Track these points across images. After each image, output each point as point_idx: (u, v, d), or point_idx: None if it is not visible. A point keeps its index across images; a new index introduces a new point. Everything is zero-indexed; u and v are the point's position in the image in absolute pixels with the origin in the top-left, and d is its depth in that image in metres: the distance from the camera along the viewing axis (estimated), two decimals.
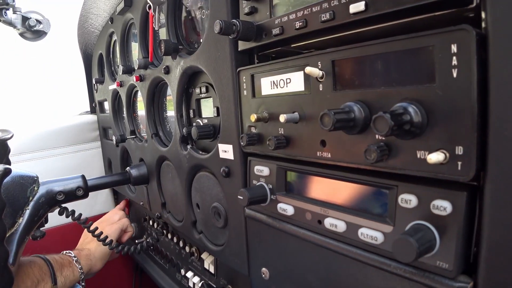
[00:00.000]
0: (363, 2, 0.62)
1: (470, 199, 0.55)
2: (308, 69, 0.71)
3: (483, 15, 0.51)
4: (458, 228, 0.55)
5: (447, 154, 0.54)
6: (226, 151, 1.04)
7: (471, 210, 0.55)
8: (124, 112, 1.89)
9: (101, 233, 1.56)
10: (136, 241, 2.08)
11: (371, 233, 0.66)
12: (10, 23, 2.00)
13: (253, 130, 0.93)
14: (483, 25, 0.51)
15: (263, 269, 0.99)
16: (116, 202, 2.51)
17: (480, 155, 0.52)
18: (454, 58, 0.52)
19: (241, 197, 0.87)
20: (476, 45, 0.50)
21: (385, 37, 0.61)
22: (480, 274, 0.54)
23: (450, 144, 0.54)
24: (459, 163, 0.53)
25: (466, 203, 0.54)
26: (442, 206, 0.56)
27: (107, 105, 2.20)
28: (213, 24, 0.95)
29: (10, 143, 1.24)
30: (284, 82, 0.82)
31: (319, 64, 0.72)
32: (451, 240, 0.56)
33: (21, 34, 2.14)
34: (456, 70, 0.52)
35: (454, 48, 0.52)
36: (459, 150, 0.53)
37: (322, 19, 0.69)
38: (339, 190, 0.75)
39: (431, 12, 0.58)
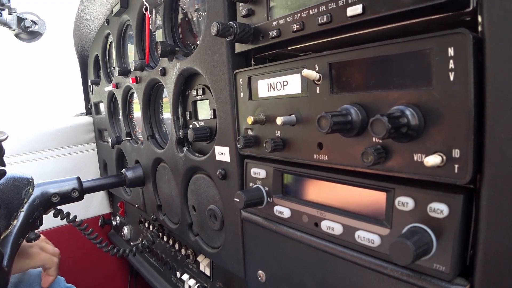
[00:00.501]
0: (360, 5, 0.62)
1: (467, 202, 0.55)
2: (305, 72, 0.71)
3: (479, 18, 0.52)
4: (454, 231, 0.55)
5: (444, 157, 0.54)
6: (222, 153, 1.04)
7: (467, 213, 0.55)
8: (120, 114, 1.88)
9: (96, 235, 1.55)
10: (132, 243, 2.07)
11: (368, 235, 0.66)
12: (5, 24, 1.98)
13: (249, 132, 0.93)
14: (479, 28, 0.52)
15: (259, 271, 0.98)
16: (112, 204, 2.50)
17: (476, 158, 0.52)
18: (451, 61, 0.53)
19: (238, 200, 0.87)
20: (473, 48, 0.50)
21: (382, 40, 0.61)
22: (477, 276, 0.54)
23: (447, 147, 0.54)
24: (456, 166, 0.54)
25: (463, 205, 0.55)
26: (439, 209, 0.56)
27: (102, 107, 2.19)
28: (210, 26, 0.96)
29: (4, 144, 1.23)
30: (281, 85, 0.82)
31: (316, 66, 0.72)
32: (448, 243, 0.56)
33: (17, 35, 2.13)
34: (453, 73, 0.53)
35: (451, 51, 0.52)
36: (456, 153, 0.53)
37: (319, 21, 0.69)
38: (335, 193, 0.75)
39: (428, 15, 0.58)
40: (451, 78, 0.53)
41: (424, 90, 0.56)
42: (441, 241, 0.57)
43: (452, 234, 0.55)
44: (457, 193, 0.55)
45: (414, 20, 0.60)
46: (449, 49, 0.53)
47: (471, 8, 0.54)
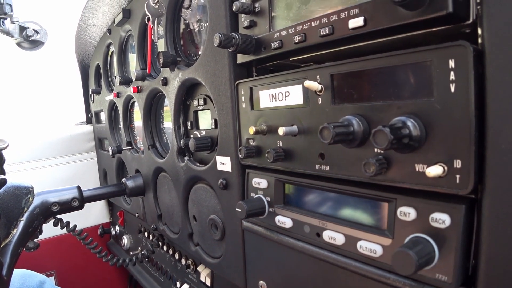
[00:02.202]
0: (362, 18, 0.63)
1: (468, 212, 0.55)
2: (307, 83, 0.72)
3: (479, 31, 0.53)
4: (457, 241, 0.55)
5: (446, 168, 0.55)
6: (224, 163, 1.04)
7: (469, 223, 0.56)
8: (120, 123, 1.89)
9: (96, 244, 1.55)
10: (131, 252, 2.06)
11: (370, 246, 0.66)
12: (7, 33, 2.00)
13: (251, 142, 0.93)
14: (479, 40, 0.53)
15: (261, 282, 0.98)
16: (111, 213, 2.49)
17: (478, 168, 0.52)
18: (452, 73, 0.53)
19: (239, 210, 0.87)
20: (473, 60, 0.51)
21: (383, 52, 0.62)
22: (479, 287, 0.54)
23: (448, 158, 0.55)
24: (458, 176, 0.54)
25: (465, 216, 0.55)
26: (441, 219, 0.57)
27: (103, 116, 2.20)
28: (212, 37, 0.97)
29: (5, 153, 1.24)
30: (283, 95, 0.83)
31: (318, 77, 0.73)
32: (450, 253, 0.56)
33: (19, 44, 2.14)
34: (453, 84, 0.53)
35: (451, 63, 0.53)
36: (457, 164, 0.54)
37: (321, 33, 0.70)
38: (337, 203, 0.75)
39: (428, 28, 0.59)
40: (452, 89, 0.54)
41: (425, 101, 0.57)
42: (443, 251, 0.57)
43: (454, 244, 0.56)
44: (458, 203, 0.55)
45: (415, 33, 0.61)
46: (450, 61, 0.53)
47: (471, 20, 0.55)
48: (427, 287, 0.59)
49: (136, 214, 1.82)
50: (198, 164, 1.22)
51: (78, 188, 1.43)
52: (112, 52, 2.02)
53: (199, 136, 1.24)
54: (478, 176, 0.53)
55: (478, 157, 0.52)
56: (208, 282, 1.37)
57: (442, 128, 0.55)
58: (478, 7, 0.53)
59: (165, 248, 1.69)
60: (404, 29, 0.61)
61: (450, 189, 0.55)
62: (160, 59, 1.20)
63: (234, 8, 0.88)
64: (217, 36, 0.85)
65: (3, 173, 1.33)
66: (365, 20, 0.63)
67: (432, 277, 0.58)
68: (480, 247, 0.54)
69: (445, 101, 0.54)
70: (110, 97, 1.93)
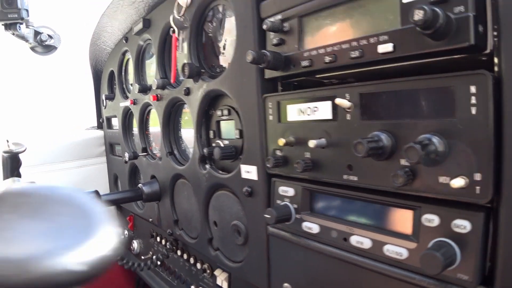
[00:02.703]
0: (391, 44, 0.70)
1: (486, 219, 0.63)
2: (338, 101, 0.79)
3: (495, 60, 0.61)
4: (477, 244, 0.63)
5: (467, 180, 0.62)
6: (249, 171, 1.10)
7: (486, 229, 0.63)
8: (134, 129, 1.94)
9: None
10: (142, 257, 2.10)
11: (396, 249, 0.73)
12: (22, 37, 2.05)
13: (278, 153, 1.00)
14: (495, 68, 0.61)
15: (285, 284, 1.03)
16: (121, 218, 2.52)
17: (495, 182, 0.60)
18: (473, 97, 0.61)
19: (269, 216, 0.93)
20: (492, 87, 0.59)
21: (406, 72, 0.70)
22: (497, 285, 0.62)
23: (469, 171, 0.62)
24: (478, 187, 0.62)
25: (484, 222, 0.62)
26: (462, 225, 0.64)
27: (115, 121, 2.25)
28: (240, 52, 1.04)
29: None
30: (311, 110, 0.90)
31: (347, 96, 0.80)
32: (471, 255, 0.63)
33: (32, 48, 2.19)
34: (474, 108, 0.61)
35: (473, 89, 0.61)
36: (478, 177, 0.61)
37: (352, 55, 0.77)
38: (364, 210, 0.82)
39: (450, 55, 0.67)
40: (473, 112, 0.61)
41: (448, 121, 0.64)
42: (464, 253, 0.64)
43: (474, 247, 0.63)
44: (478, 211, 0.63)
45: (438, 58, 0.69)
46: (471, 87, 0.61)
47: (488, 51, 0.63)
48: (450, 286, 0.66)
49: (150, 220, 1.87)
50: (220, 171, 1.28)
51: (96, 192, 1.48)
52: (128, 59, 2.08)
53: (221, 145, 1.30)
54: (495, 188, 0.60)
55: (496, 172, 0.60)
56: (225, 286, 1.42)
57: (464, 145, 0.63)
58: (495, 39, 0.61)
59: (179, 252, 1.73)
60: (428, 56, 0.68)
61: (471, 199, 0.62)
62: (186, 71, 1.26)
63: (264, 27, 0.95)
64: (250, 53, 0.91)
65: (19, 176, 1.37)
66: (394, 47, 0.70)
67: (454, 276, 0.65)
68: (497, 251, 0.62)
69: (467, 122, 0.62)
70: (125, 103, 1.98)
